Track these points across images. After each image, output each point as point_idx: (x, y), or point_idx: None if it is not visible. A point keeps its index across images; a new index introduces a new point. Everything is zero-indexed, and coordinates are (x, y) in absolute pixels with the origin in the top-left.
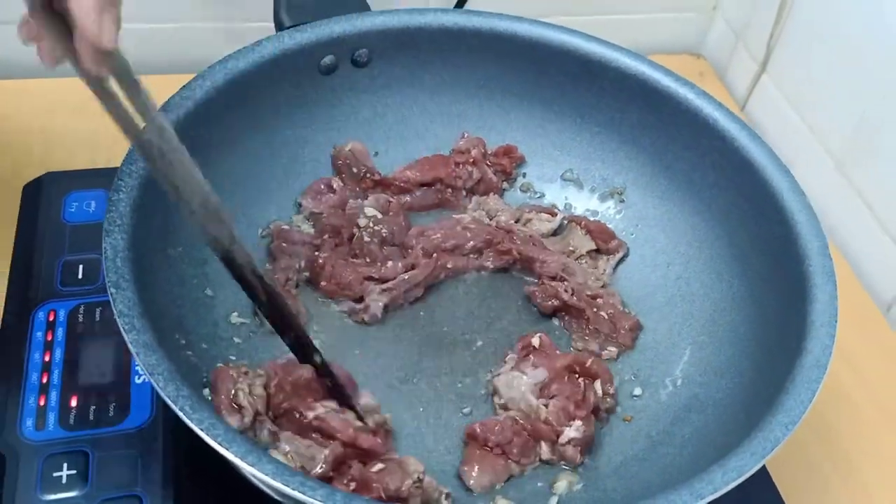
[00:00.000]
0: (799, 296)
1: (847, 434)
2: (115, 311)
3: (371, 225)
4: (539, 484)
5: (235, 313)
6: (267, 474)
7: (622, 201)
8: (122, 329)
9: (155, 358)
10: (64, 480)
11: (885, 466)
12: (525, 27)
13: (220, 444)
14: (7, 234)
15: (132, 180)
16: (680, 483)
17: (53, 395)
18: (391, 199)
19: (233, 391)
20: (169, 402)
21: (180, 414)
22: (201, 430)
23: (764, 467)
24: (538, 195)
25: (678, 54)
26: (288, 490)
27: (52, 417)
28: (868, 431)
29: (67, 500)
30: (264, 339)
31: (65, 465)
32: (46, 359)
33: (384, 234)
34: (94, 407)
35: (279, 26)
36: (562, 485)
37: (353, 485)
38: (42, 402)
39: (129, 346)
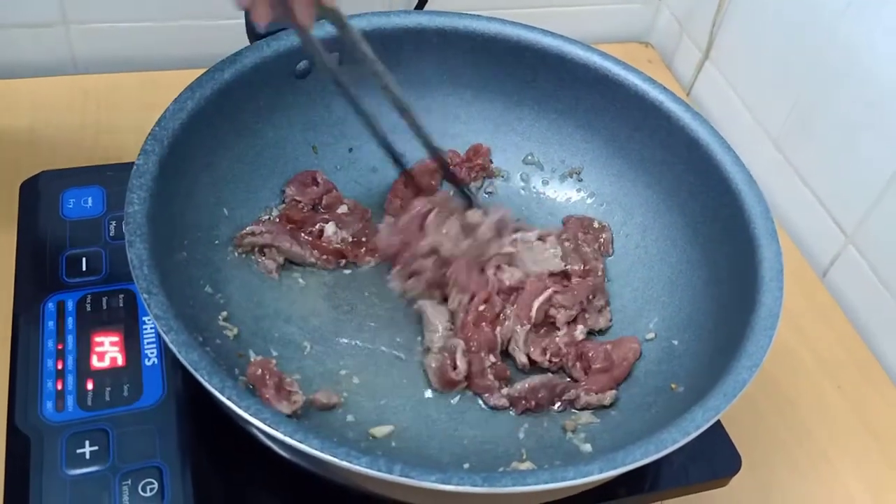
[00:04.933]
0: (748, 256)
1: (792, 387)
2: (151, 315)
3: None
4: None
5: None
6: (315, 448)
7: (580, 180)
8: (161, 331)
9: (196, 355)
10: (87, 456)
11: (825, 412)
12: (483, 24)
13: (269, 426)
14: (8, 231)
15: (143, 192)
16: (667, 424)
17: (70, 379)
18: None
19: (277, 379)
20: (216, 392)
21: (228, 402)
22: (249, 415)
23: (720, 423)
24: (504, 179)
25: (628, 43)
26: (336, 461)
27: (70, 400)
28: (810, 383)
29: (93, 474)
30: (266, 330)
31: (87, 443)
32: (59, 346)
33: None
34: (109, 388)
35: (252, 34)
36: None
37: None
38: (60, 387)
39: (171, 345)
